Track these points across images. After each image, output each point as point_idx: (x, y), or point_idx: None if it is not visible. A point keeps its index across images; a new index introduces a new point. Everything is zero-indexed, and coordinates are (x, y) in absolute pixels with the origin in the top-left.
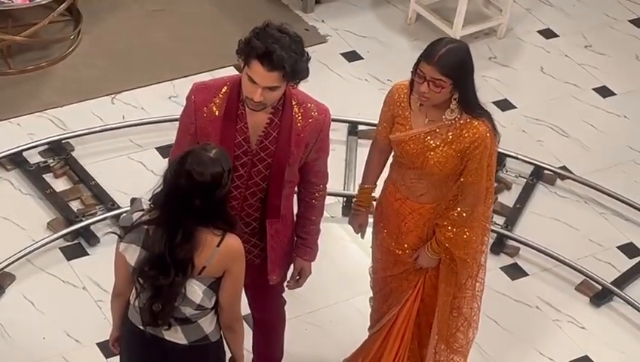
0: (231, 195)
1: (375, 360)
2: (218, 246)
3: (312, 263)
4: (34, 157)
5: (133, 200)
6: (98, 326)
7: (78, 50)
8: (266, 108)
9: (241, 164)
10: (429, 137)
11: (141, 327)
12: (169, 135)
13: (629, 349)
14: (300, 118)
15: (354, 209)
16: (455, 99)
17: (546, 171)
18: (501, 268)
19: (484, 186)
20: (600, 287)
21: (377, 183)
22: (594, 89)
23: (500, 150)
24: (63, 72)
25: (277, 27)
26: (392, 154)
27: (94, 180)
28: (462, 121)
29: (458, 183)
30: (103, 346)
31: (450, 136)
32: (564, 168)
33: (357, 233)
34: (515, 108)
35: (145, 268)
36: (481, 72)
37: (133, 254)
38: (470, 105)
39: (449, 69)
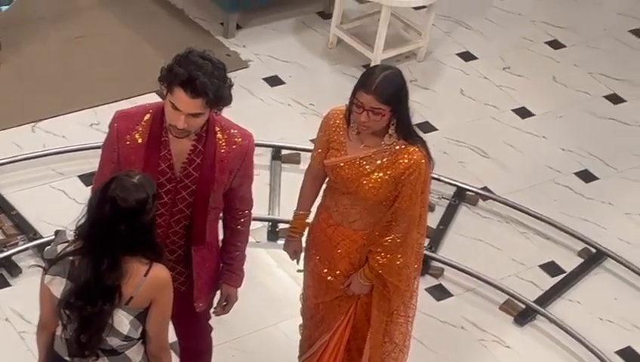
0: (155, 223)
1: None
2: (145, 275)
3: (239, 289)
4: None
5: (57, 232)
6: (22, 359)
7: None
8: (189, 135)
9: (165, 191)
10: (364, 162)
11: (67, 359)
12: (91, 163)
13: None
14: (223, 144)
15: (288, 235)
16: (393, 125)
17: (467, 192)
18: (426, 289)
19: (418, 213)
20: (523, 306)
21: (311, 210)
22: (513, 110)
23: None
24: None
25: (199, 54)
26: (327, 180)
27: (15, 210)
28: (397, 147)
29: (392, 209)
30: None
31: (386, 162)
32: (485, 189)
33: (292, 259)
34: (437, 130)
35: (71, 299)
36: None
37: (58, 286)
38: (407, 131)
39: (388, 96)
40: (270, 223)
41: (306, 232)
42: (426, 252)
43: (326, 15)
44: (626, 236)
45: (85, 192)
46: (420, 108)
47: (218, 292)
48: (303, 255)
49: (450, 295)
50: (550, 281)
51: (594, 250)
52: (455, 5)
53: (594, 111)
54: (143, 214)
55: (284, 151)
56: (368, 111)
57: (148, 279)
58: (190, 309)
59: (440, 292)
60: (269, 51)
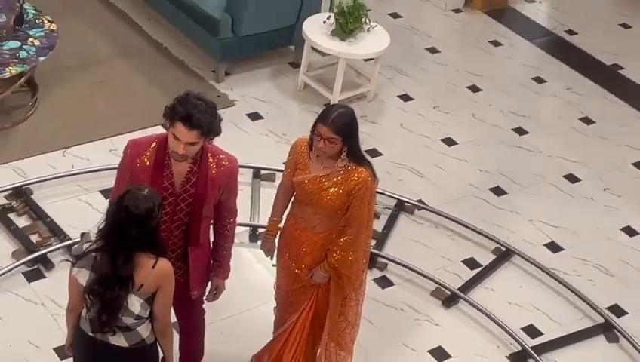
0: (160, 227)
1: (278, 355)
2: (153, 267)
3: (226, 281)
4: (0, 200)
5: (82, 234)
6: (54, 335)
7: (35, 114)
8: (187, 159)
9: (168, 203)
10: (323, 180)
11: (91, 334)
12: (110, 180)
13: (473, 340)
14: (214, 166)
15: (264, 237)
16: (345, 151)
17: (406, 204)
18: (373, 279)
19: (366, 219)
20: (449, 293)
21: (282, 217)
22: (441, 139)
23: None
24: (23, 131)
25: (195, 95)
26: (294, 194)
27: (50, 218)
28: (349, 168)
29: (345, 216)
30: (59, 350)
31: (340, 179)
32: (420, 201)
33: (267, 256)
34: (382, 155)
35: (94, 286)
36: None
37: (84, 277)
38: (356, 156)
39: (340, 129)
40: (251, 228)
41: (278, 235)
42: (372, 250)
43: (295, 65)
44: (529, 238)
45: (105, 203)
46: (368, 138)
47: (210, 283)
48: (276, 253)
49: (392, 284)
50: (470, 273)
51: (504, 249)
52: (396, 57)
53: (504, 140)
54: (150, 220)
55: (262, 172)
56: (325, 140)
57: (155, 270)
58: (187, 296)
59: (384, 282)
60: (250, 93)
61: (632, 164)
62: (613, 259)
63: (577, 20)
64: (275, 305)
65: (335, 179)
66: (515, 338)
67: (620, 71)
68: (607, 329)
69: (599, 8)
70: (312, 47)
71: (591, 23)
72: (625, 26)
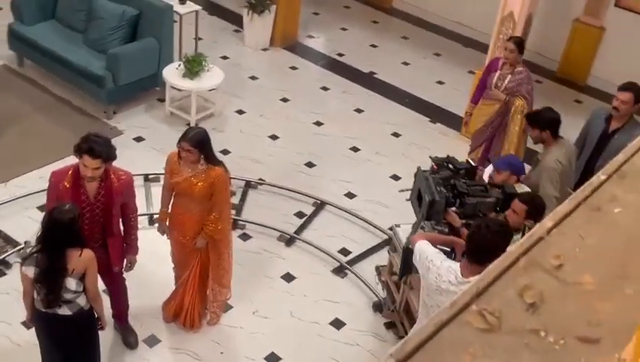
0: (84, 227)
1: (180, 298)
2: (80, 256)
3: (137, 256)
4: None
5: (25, 242)
6: (20, 314)
7: None
8: (95, 179)
9: (87, 210)
10: (192, 178)
11: (43, 310)
12: (43, 199)
13: (308, 264)
14: (115, 180)
15: (159, 222)
16: (202, 157)
17: (251, 182)
18: (238, 236)
19: (226, 199)
20: (289, 236)
21: (169, 207)
22: (268, 136)
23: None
24: None
25: (94, 134)
26: (174, 190)
27: (3, 232)
28: (208, 168)
29: (211, 200)
30: (24, 324)
31: (204, 177)
32: (260, 179)
33: (162, 235)
34: (230, 152)
35: (40, 277)
36: (210, 137)
37: (31, 272)
38: (211, 159)
39: (195, 143)
40: (148, 216)
41: (167, 219)
42: (234, 217)
43: (162, 100)
44: (334, 192)
45: (40, 216)
46: (219, 142)
47: (125, 259)
48: (168, 231)
49: (250, 237)
50: (300, 221)
51: (319, 202)
52: (230, 86)
53: (309, 131)
54: (73, 225)
55: (150, 176)
56: (186, 151)
57: (81, 258)
58: (110, 270)
59: (245, 237)
60: (134, 123)
61: (391, 134)
62: (389, 196)
63: (343, 46)
64: (173, 266)
65: (200, 177)
66: (334, 258)
67: (374, 76)
68: (388, 243)
69: (355, 36)
70: (172, 86)
71: (352, 47)
72: (373, 45)
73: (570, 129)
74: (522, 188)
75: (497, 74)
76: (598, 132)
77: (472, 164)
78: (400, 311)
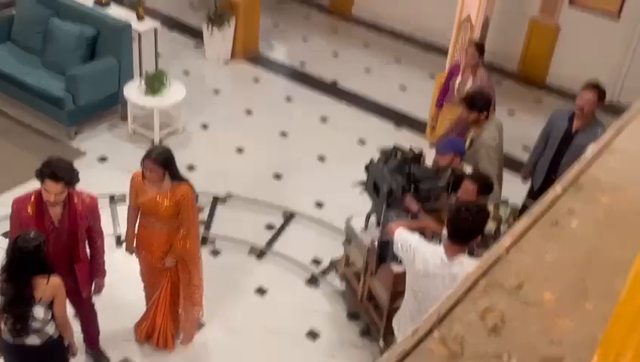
0: (50, 253)
1: (152, 319)
2: (47, 283)
3: (105, 278)
4: None
5: None
6: None
7: None
8: (59, 203)
9: (53, 236)
10: (158, 198)
11: (11, 341)
12: (6, 226)
13: (280, 276)
14: (79, 204)
15: (126, 244)
16: (167, 175)
17: (220, 197)
18: (209, 252)
19: (192, 217)
20: (261, 247)
21: (135, 227)
22: (235, 149)
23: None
24: None
25: (56, 158)
26: (140, 210)
27: None
28: (174, 186)
29: (179, 218)
30: None
31: (169, 195)
32: (228, 193)
33: (130, 254)
34: (196, 168)
35: (6, 307)
36: (175, 153)
37: None
38: (177, 177)
39: (160, 162)
40: (116, 237)
41: (134, 240)
42: (203, 233)
43: (124, 118)
44: (303, 202)
45: (5, 243)
46: (184, 160)
47: (94, 283)
48: (135, 252)
49: (219, 252)
50: (270, 233)
51: (289, 213)
52: (193, 101)
53: (275, 142)
54: (38, 253)
55: (115, 196)
56: (150, 170)
57: (49, 285)
58: (79, 296)
59: (215, 252)
60: (96, 143)
61: (356, 141)
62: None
63: (305, 56)
64: (144, 286)
65: (166, 195)
66: (306, 269)
67: (337, 84)
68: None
69: (316, 46)
70: (133, 105)
71: (313, 56)
72: (335, 54)
73: (533, 128)
74: (467, 168)
75: (459, 78)
76: (562, 131)
77: (416, 151)
78: (364, 300)
